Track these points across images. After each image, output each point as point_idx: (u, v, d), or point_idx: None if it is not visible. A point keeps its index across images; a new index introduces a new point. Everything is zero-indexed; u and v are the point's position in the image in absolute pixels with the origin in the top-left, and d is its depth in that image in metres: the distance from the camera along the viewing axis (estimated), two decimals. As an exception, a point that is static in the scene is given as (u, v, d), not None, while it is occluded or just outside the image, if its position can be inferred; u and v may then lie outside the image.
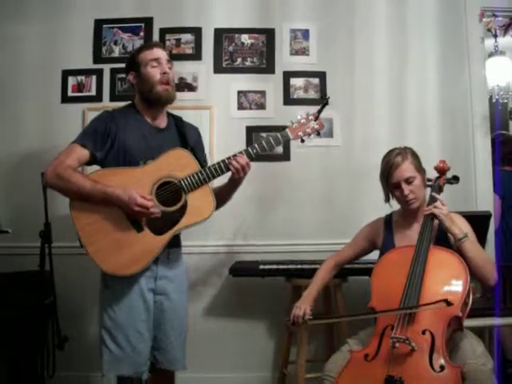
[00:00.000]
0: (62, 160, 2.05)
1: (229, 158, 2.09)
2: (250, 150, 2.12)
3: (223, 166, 2.08)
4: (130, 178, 2.03)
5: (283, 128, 2.19)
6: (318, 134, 2.19)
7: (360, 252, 2.38)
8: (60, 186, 2.05)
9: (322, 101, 2.18)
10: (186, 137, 2.23)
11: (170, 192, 2.04)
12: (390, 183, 2.17)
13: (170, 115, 2.29)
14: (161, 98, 2.16)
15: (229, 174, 2.14)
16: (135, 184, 2.01)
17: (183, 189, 2.04)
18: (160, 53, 2.18)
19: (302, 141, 2.18)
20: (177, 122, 2.28)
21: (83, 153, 2.08)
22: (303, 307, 2.19)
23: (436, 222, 2.11)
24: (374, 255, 2.36)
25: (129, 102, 2.28)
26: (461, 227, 2.09)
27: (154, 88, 2.13)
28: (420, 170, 2.20)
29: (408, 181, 2.14)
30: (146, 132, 2.17)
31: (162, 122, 2.24)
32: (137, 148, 2.11)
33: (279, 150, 3.21)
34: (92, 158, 2.11)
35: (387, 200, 2.28)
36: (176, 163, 2.07)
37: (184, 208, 2.04)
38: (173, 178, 2.05)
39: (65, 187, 2.03)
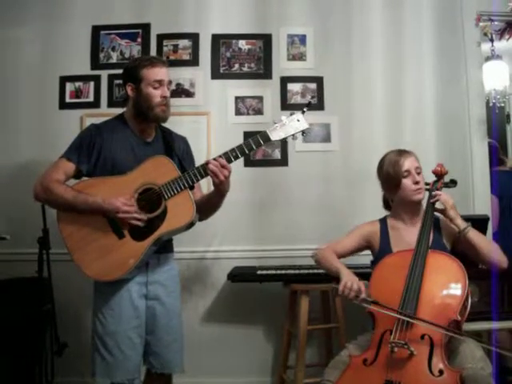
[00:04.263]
0: (49, 174, 2.10)
1: (207, 163, 2.08)
2: (229, 153, 2.08)
3: (202, 171, 2.08)
4: (111, 186, 2.07)
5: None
6: (303, 133, 2.12)
7: (356, 248, 2.28)
8: (46, 199, 2.12)
9: (310, 104, 2.16)
10: (173, 149, 2.25)
11: (151, 199, 2.06)
12: (400, 172, 2.16)
13: (158, 128, 2.29)
14: (158, 119, 2.19)
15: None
16: (117, 192, 2.05)
17: (163, 195, 2.05)
18: (163, 74, 2.16)
19: (285, 142, 2.15)
20: (164, 135, 2.29)
21: (69, 166, 2.12)
22: (356, 283, 1.94)
23: (436, 223, 2.13)
24: (367, 259, 2.33)
25: (119, 112, 2.28)
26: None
27: (152, 110, 2.14)
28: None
29: (417, 171, 2.18)
30: (134, 145, 2.19)
31: (150, 135, 2.25)
32: (124, 161, 2.13)
33: (277, 155, 3.23)
34: (78, 171, 2.14)
35: (386, 206, 2.30)
36: (156, 170, 2.09)
37: (164, 214, 2.05)
38: (153, 184, 2.07)
39: (50, 199, 2.10)
